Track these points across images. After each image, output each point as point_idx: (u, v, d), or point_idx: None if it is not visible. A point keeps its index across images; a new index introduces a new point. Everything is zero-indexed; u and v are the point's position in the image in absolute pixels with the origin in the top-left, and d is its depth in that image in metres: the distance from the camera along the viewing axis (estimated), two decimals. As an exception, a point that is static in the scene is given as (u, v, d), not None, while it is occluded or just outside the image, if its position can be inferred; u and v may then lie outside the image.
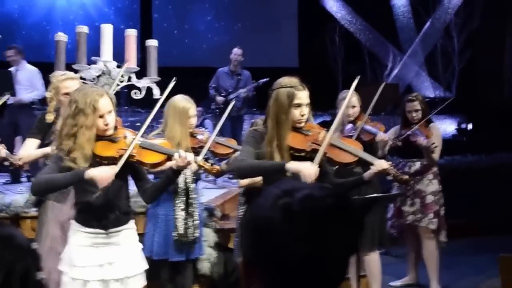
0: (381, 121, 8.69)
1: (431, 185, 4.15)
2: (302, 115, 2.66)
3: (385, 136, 3.84)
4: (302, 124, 2.69)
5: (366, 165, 2.74)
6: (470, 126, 10.07)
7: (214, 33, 11.50)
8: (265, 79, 6.99)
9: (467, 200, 6.56)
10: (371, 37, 11.59)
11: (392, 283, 4.48)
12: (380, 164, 2.66)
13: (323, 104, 6.81)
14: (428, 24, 11.45)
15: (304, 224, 0.95)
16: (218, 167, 3.03)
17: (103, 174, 2.44)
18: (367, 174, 2.70)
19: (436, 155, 4.07)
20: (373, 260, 3.84)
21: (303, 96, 2.66)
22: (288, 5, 11.85)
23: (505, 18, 11.33)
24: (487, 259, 3.45)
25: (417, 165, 4.16)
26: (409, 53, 11.60)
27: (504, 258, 2.60)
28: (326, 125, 4.12)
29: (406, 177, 2.85)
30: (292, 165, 2.54)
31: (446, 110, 10.25)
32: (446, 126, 10.24)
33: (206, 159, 3.22)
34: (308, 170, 2.48)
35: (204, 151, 3.20)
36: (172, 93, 3.37)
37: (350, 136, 3.70)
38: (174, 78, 2.96)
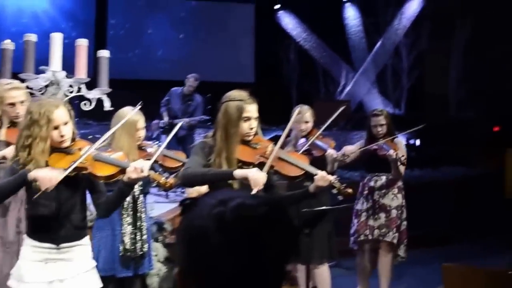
0: (333, 136, 8.93)
1: (395, 200, 4.16)
2: (251, 129, 2.67)
3: (334, 152, 3.86)
4: (251, 137, 2.69)
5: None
6: (418, 142, 10.42)
7: (171, 46, 11.45)
8: (207, 117, 7.07)
9: (414, 213, 6.74)
10: (325, 54, 11.91)
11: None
12: (324, 176, 2.69)
13: (278, 119, 6.95)
14: (379, 43, 11.90)
15: (237, 234, 0.95)
16: (171, 181, 3.00)
17: (47, 175, 2.35)
18: (312, 187, 2.72)
19: (402, 169, 4.07)
20: (323, 272, 3.85)
21: (252, 109, 2.67)
22: (245, 21, 12.00)
23: (451, 40, 11.88)
24: (432, 269, 3.53)
25: (383, 179, 4.15)
26: (361, 71, 11.99)
27: (447, 267, 2.70)
28: (278, 139, 4.19)
29: (350, 190, 2.88)
30: (240, 172, 2.55)
31: (396, 126, 10.64)
32: (402, 140, 10.59)
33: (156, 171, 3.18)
34: (256, 175, 2.49)
35: (151, 162, 3.15)
36: (123, 105, 3.35)
37: (305, 150, 3.76)
38: (140, 102, 2.96)
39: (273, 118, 7.46)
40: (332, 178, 2.73)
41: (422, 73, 11.73)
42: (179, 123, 3.47)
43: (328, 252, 3.89)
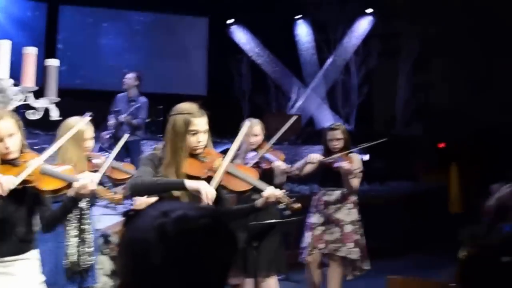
0: (283, 150, 9.02)
1: (350, 215, 4.21)
2: (199, 142, 2.65)
3: (282, 164, 3.86)
4: (199, 151, 2.67)
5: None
6: (366, 157, 10.65)
7: (123, 57, 11.22)
8: (156, 118, 7.03)
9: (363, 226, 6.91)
10: (277, 69, 12.07)
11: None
12: (271, 192, 2.70)
13: (229, 132, 6.95)
14: (330, 60, 12.18)
15: (178, 246, 0.94)
16: (119, 196, 2.92)
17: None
18: (259, 202, 2.74)
19: (356, 182, 4.14)
20: (270, 286, 3.83)
21: (200, 123, 2.65)
22: (198, 34, 12.02)
23: (398, 58, 12.35)
24: (378, 282, 3.48)
25: (337, 193, 4.19)
26: (312, 87, 12.21)
27: (392, 280, 2.79)
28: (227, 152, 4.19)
29: (298, 205, 2.89)
30: (192, 184, 2.53)
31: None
32: (357, 155, 10.79)
33: (104, 186, 3.09)
34: (207, 188, 2.49)
35: (99, 175, 3.01)
36: (74, 115, 3.28)
37: (254, 163, 3.76)
38: (90, 114, 2.95)
39: (224, 131, 7.48)
40: (280, 193, 2.74)
41: (371, 90, 12.07)
42: (125, 136, 3.41)
43: (276, 265, 3.86)
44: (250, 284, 3.71)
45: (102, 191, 2.77)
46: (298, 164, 4.30)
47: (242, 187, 2.73)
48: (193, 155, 2.67)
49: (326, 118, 12.24)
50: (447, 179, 16.53)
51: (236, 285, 3.80)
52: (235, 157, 3.90)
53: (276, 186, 3.46)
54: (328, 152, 4.23)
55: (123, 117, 6.67)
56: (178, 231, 0.95)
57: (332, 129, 4.27)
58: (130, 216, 3.18)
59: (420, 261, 6.85)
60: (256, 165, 3.76)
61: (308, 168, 4.21)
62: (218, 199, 2.63)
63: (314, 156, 3.96)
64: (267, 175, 3.62)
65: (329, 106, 12.23)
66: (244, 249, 3.50)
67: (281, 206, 2.87)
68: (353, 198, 4.24)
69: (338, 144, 4.18)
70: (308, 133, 10.52)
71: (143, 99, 6.99)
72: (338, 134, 4.21)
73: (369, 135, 11.40)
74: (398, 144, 11.82)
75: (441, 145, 15.24)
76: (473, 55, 15.72)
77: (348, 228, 4.14)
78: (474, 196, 8.58)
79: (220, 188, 2.71)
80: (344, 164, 3.94)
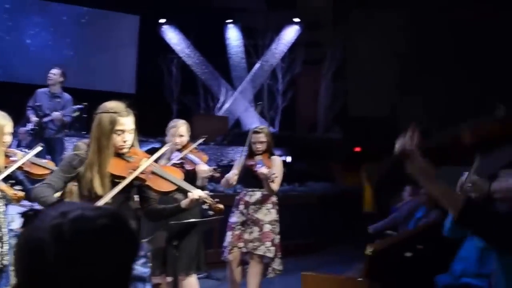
0: (210, 151, 9.25)
1: (269, 215, 4.19)
2: (125, 142, 2.58)
3: (204, 166, 3.83)
4: (125, 150, 2.61)
5: (186, 192, 2.79)
6: (289, 159, 11.06)
7: (50, 51, 10.76)
8: (81, 106, 6.88)
9: (281, 225, 7.09)
10: (207, 71, 12.26)
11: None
12: (196, 193, 2.75)
13: (157, 132, 7.03)
14: (257, 65, 12.57)
15: (73, 245, 0.92)
16: (20, 194, 2.86)
17: None
18: (184, 202, 2.74)
19: (275, 185, 4.13)
20: (191, 284, 3.80)
21: (126, 122, 2.58)
22: (129, 32, 11.89)
23: (321, 66, 12.96)
24: (295, 278, 3.52)
25: (258, 194, 4.18)
26: (240, 90, 12.53)
27: (305, 276, 2.99)
28: (154, 152, 4.22)
29: (221, 206, 2.93)
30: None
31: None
32: (279, 158, 11.10)
33: (13, 184, 3.00)
34: None
35: (7, 172, 2.93)
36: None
37: (179, 164, 3.71)
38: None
39: (152, 130, 7.47)
40: (205, 194, 2.80)
41: (295, 96, 12.56)
42: (37, 148, 3.25)
43: (197, 263, 3.85)
44: (170, 282, 3.71)
45: (3, 187, 2.69)
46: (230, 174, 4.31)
47: (167, 187, 2.69)
48: (118, 154, 2.60)
49: (252, 121, 12.61)
50: (362, 180, 17.50)
51: (157, 284, 3.79)
52: (160, 157, 3.98)
53: (198, 188, 3.44)
54: (251, 153, 4.24)
55: (58, 114, 6.44)
56: (74, 231, 0.92)
57: (256, 132, 4.25)
58: (29, 216, 3.12)
59: (335, 257, 7.12)
60: (180, 166, 3.67)
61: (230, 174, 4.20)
62: (144, 199, 2.65)
63: (201, 168, 3.81)
64: (190, 176, 3.63)
65: (256, 109, 12.62)
66: (164, 248, 3.54)
67: (205, 206, 2.93)
68: (273, 198, 4.27)
69: (261, 147, 4.19)
70: (234, 135, 10.72)
71: (67, 96, 6.77)
72: (262, 137, 4.21)
73: (292, 137, 11.94)
74: (318, 147, 12.43)
75: (357, 149, 16.15)
76: (390, 65, 16.79)
77: (267, 228, 4.15)
78: (385, 197, 9.17)
79: (146, 188, 2.68)
80: (263, 170, 3.99)
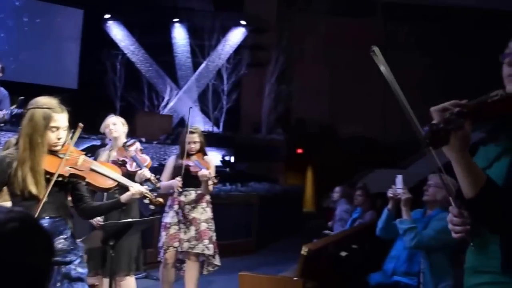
0: (153, 149, 9.19)
1: (205, 213, 4.20)
2: (59, 139, 2.48)
3: (148, 174, 3.72)
4: (59, 148, 2.51)
5: (126, 189, 2.77)
6: (232, 159, 11.15)
7: None
8: (20, 110, 6.69)
9: (222, 224, 7.11)
10: (152, 69, 12.17)
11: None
12: (137, 188, 2.75)
13: (98, 128, 6.90)
14: (203, 65, 12.59)
15: None
16: None
17: None
18: (124, 197, 2.73)
19: (211, 186, 4.14)
20: (129, 284, 3.75)
21: (61, 118, 2.47)
22: (73, 26, 11.57)
23: (266, 69, 13.18)
24: (234, 277, 3.52)
25: (193, 194, 4.18)
26: (184, 89, 12.51)
27: (242, 276, 3.04)
28: (95, 149, 4.13)
29: (161, 200, 2.95)
30: None
31: (213, 143, 11.41)
32: (213, 158, 11.19)
33: None
34: None
35: None
36: None
37: (120, 162, 3.67)
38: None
39: (94, 127, 7.27)
40: (144, 189, 2.80)
41: (240, 96, 12.69)
42: None
43: (135, 264, 3.82)
44: (107, 283, 3.49)
45: None
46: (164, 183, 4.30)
47: (107, 184, 2.65)
48: (52, 151, 2.51)
49: (196, 120, 12.62)
50: (303, 181, 17.93)
51: (94, 285, 3.76)
52: (99, 154, 3.86)
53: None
54: (184, 153, 4.18)
55: (7, 113, 6.13)
56: None
57: (190, 132, 4.21)
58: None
59: (276, 257, 7.15)
60: (123, 163, 3.67)
61: (166, 184, 4.17)
62: (78, 197, 2.60)
63: (144, 173, 3.70)
64: (131, 177, 3.51)
65: (200, 109, 12.64)
66: (101, 248, 3.46)
67: (146, 201, 2.90)
68: (207, 197, 4.29)
69: (195, 147, 4.20)
70: (178, 134, 10.61)
71: (4, 91, 6.49)
72: (196, 137, 4.21)
73: (236, 138, 12.07)
74: (262, 148, 12.61)
75: (299, 150, 16.55)
76: (332, 69, 17.30)
77: (204, 226, 4.17)
78: (325, 197, 9.43)
79: (82, 186, 2.63)
80: (204, 172, 4.01)
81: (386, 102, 17.24)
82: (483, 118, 1.27)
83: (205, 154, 4.31)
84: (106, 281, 3.61)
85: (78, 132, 2.62)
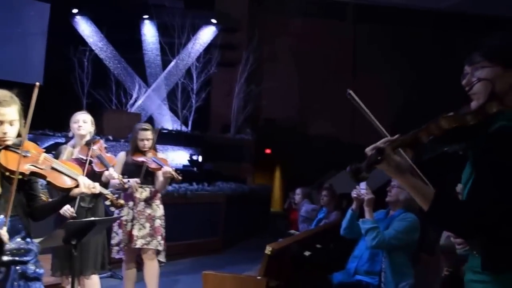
0: (120, 148, 9.07)
1: (158, 210, 4.22)
2: (4, 133, 2.37)
3: (115, 175, 3.71)
4: (8, 142, 2.41)
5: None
6: (200, 158, 11.12)
7: None
8: None
9: (188, 224, 7.15)
10: (120, 66, 11.99)
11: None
12: (98, 188, 2.66)
13: (64, 126, 6.77)
14: (173, 63, 12.49)
15: None
16: None
17: None
18: (74, 191, 2.64)
19: (166, 183, 4.17)
20: (94, 283, 3.73)
21: (7, 112, 2.36)
22: (39, 21, 11.30)
23: (236, 68, 13.19)
24: (198, 277, 3.48)
25: (147, 191, 4.18)
26: (153, 87, 12.38)
27: (206, 275, 3.03)
28: (58, 146, 4.06)
29: (122, 201, 2.94)
30: None
31: (181, 142, 11.36)
32: (180, 157, 11.14)
33: None
34: None
35: None
36: None
37: (84, 161, 3.58)
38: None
39: (60, 124, 7.14)
40: (105, 191, 2.76)
41: (209, 96, 12.64)
42: None
43: (100, 263, 3.78)
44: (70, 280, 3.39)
45: None
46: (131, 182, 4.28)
47: (67, 184, 2.57)
48: (8, 147, 2.42)
49: (165, 119, 12.55)
50: (272, 181, 18.02)
51: (58, 284, 3.74)
52: (61, 151, 3.76)
53: (101, 183, 3.40)
54: (137, 150, 4.19)
55: None
56: None
57: (144, 129, 4.23)
58: None
59: (242, 256, 7.19)
60: (87, 163, 3.58)
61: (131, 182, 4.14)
62: (32, 196, 2.52)
63: (110, 173, 3.67)
64: (97, 176, 3.54)
65: (169, 107, 12.55)
66: (67, 248, 3.26)
67: (107, 202, 2.89)
68: (159, 194, 4.28)
69: (148, 144, 4.20)
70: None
71: None
72: (149, 134, 4.22)
73: (204, 137, 12.03)
74: (230, 148, 12.61)
75: (268, 150, 16.62)
76: (301, 70, 17.44)
77: (157, 223, 4.20)
78: (286, 198, 9.48)
79: (36, 185, 2.57)
80: (168, 168, 4.03)
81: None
82: (423, 142, 1.40)
83: (156, 151, 4.32)
84: (69, 280, 3.52)
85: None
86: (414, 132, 1.42)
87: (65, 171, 2.58)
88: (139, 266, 4.41)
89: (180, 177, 4.09)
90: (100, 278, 5.32)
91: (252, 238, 8.88)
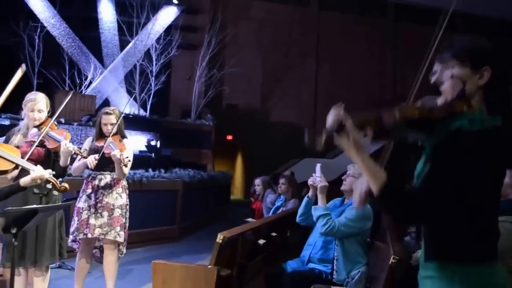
0: (74, 131, 8.68)
1: (119, 199, 4.09)
2: None
3: (70, 145, 3.53)
4: None
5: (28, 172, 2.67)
6: (158, 144, 10.85)
7: None
8: None
9: (143, 212, 6.94)
10: (74, 45, 11.46)
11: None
12: (38, 172, 2.63)
13: (11, 107, 6.44)
14: (131, 44, 12.02)
15: None
16: None
17: None
18: (23, 181, 2.64)
19: (127, 169, 4.04)
20: (43, 273, 3.56)
21: None
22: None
23: (197, 51, 12.93)
24: (150, 266, 3.34)
25: (108, 178, 4.07)
26: (110, 68, 11.92)
27: (156, 264, 2.91)
28: (2, 129, 3.86)
29: (66, 185, 2.87)
30: None
31: (139, 126, 11.02)
32: (138, 142, 10.83)
33: None
34: None
35: None
36: None
37: (33, 142, 3.49)
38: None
39: (6, 105, 6.76)
40: (47, 174, 2.68)
41: (169, 79, 12.33)
42: None
43: (58, 252, 3.61)
44: (20, 273, 3.38)
45: None
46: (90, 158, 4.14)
47: (5, 166, 2.58)
48: None
49: (122, 102, 12.12)
50: (233, 168, 17.91)
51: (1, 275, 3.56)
52: (13, 133, 3.57)
53: (61, 168, 3.36)
54: (101, 135, 4.11)
55: None
56: None
57: (107, 113, 4.11)
58: None
59: (199, 245, 7.11)
60: (40, 144, 3.39)
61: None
62: None
63: (67, 146, 3.62)
64: (54, 155, 3.43)
65: (126, 90, 12.14)
66: (21, 238, 3.30)
67: (49, 186, 2.84)
68: (123, 183, 4.16)
69: (112, 129, 4.08)
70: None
71: None
72: (113, 118, 4.10)
73: (163, 123, 11.73)
74: (190, 134, 12.38)
75: (229, 137, 16.45)
76: (265, 56, 17.29)
77: (117, 212, 4.07)
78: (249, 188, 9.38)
79: None
80: (116, 153, 3.88)
81: (318, 91, 17.53)
82: (385, 125, 1.41)
83: (123, 136, 4.14)
84: (24, 271, 3.48)
85: None
86: (379, 113, 1.42)
87: (2, 154, 2.56)
88: (98, 258, 4.25)
89: (125, 162, 3.85)
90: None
91: (211, 226, 8.72)
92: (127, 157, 3.88)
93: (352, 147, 1.43)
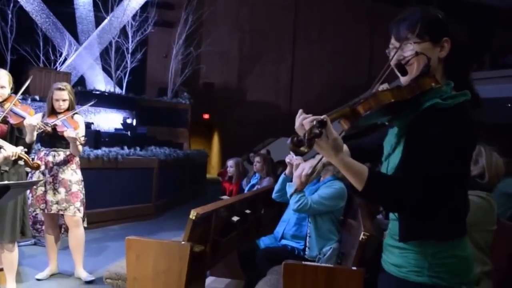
0: (41, 108, 8.57)
1: (75, 175, 4.10)
2: None
3: (34, 120, 3.50)
4: None
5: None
6: (134, 122, 10.79)
7: None
8: None
9: (119, 189, 6.98)
10: (48, 21, 11.18)
11: (38, 276, 4.21)
12: (10, 150, 2.64)
13: None
14: (106, 20, 11.79)
15: None
16: None
17: None
18: None
19: (81, 147, 4.04)
20: (10, 252, 3.58)
21: None
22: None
23: (174, 29, 12.77)
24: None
25: (61, 155, 4.07)
26: (85, 45, 11.70)
27: (129, 240, 2.90)
28: None
29: (39, 162, 2.89)
30: None
31: (115, 104, 10.93)
32: (113, 120, 10.75)
33: None
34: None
35: None
36: None
37: (3, 118, 3.43)
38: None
39: None
40: (19, 151, 2.69)
41: (145, 57, 12.19)
42: None
43: (19, 230, 3.57)
44: None
45: None
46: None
47: None
48: None
49: (98, 79, 11.96)
50: (210, 147, 17.94)
51: None
52: None
53: (27, 144, 3.35)
54: (52, 111, 4.05)
55: None
56: None
57: (59, 88, 4.04)
58: None
59: (175, 222, 7.15)
60: (3, 120, 3.40)
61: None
62: None
63: (30, 122, 3.47)
64: (17, 131, 3.43)
65: (102, 67, 11.97)
66: None
67: (21, 162, 2.81)
68: (76, 159, 4.15)
69: (64, 105, 4.03)
70: (77, 93, 10.04)
71: None
72: (65, 94, 4.04)
73: (139, 101, 11.65)
74: (167, 112, 12.34)
75: (206, 116, 16.44)
76: (242, 35, 17.20)
77: (75, 188, 4.07)
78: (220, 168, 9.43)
79: None
80: (70, 133, 3.86)
81: (294, 70, 17.58)
82: (361, 116, 1.34)
83: (74, 112, 4.12)
84: None
85: None
86: (351, 105, 1.35)
87: None
88: (66, 231, 4.28)
89: (83, 141, 3.89)
90: (23, 246, 5.15)
91: (186, 204, 8.80)
92: (83, 136, 3.91)
93: (331, 148, 1.31)
